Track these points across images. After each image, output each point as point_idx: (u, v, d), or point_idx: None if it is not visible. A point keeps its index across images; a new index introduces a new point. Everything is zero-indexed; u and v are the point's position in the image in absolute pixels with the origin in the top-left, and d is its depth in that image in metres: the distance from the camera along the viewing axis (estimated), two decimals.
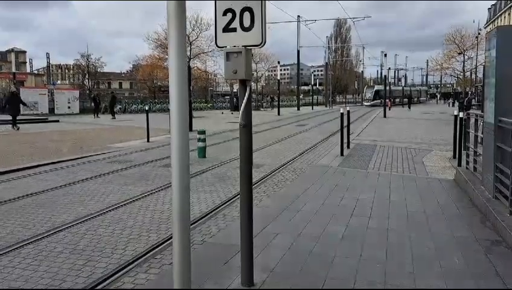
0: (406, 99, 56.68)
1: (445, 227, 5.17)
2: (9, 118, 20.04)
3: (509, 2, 56.89)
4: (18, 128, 19.01)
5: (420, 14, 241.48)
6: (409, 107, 46.43)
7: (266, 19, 3.24)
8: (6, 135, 17.23)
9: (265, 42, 3.24)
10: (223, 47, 3.35)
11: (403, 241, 4.68)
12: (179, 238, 2.51)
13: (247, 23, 3.25)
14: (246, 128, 3.40)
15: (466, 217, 5.62)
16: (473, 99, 20.90)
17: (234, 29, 3.29)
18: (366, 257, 4.21)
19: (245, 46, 3.27)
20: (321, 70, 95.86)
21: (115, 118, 28.16)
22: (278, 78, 45.20)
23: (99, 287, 3.79)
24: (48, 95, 32.51)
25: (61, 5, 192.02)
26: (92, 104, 31.94)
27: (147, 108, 18.86)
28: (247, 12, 3.24)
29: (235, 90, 47.02)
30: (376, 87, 60.89)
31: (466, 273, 3.85)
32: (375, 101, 56.31)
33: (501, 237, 4.70)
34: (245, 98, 3.32)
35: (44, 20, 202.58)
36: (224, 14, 3.31)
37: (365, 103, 59.25)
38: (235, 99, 39.63)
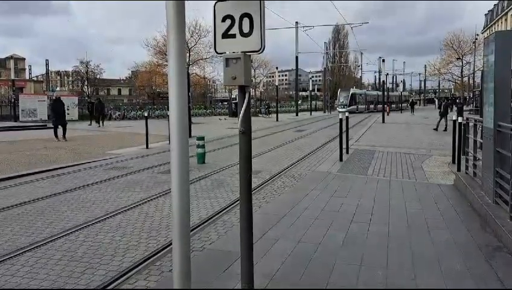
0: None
1: (446, 232, 5.15)
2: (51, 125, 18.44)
3: (505, 8, 57.28)
4: (66, 139, 17.22)
5: (419, 19, 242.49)
6: (412, 112, 46.16)
7: (265, 24, 3.25)
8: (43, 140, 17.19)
9: (264, 48, 3.24)
10: (222, 53, 3.35)
11: (403, 246, 4.67)
12: (178, 245, 2.49)
13: (246, 29, 3.25)
14: (245, 134, 3.39)
15: (466, 222, 5.61)
16: (450, 106, 20.28)
17: (233, 35, 3.29)
18: (366, 263, 4.20)
19: (244, 52, 3.26)
20: (319, 76, 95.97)
21: (100, 125, 27.03)
22: (276, 83, 45.34)
23: None
24: (48, 104, 32.37)
25: (60, 12, 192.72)
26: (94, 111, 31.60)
27: (146, 114, 18.73)
28: (246, 18, 3.24)
29: (233, 96, 47.15)
30: (352, 91, 52.25)
31: (467, 278, 3.83)
32: (352, 107, 47.90)
33: (502, 243, 4.68)
34: (244, 104, 3.31)
35: (43, 27, 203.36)
36: (223, 20, 3.31)
37: (339, 109, 45.82)
38: (233, 105, 39.49)
